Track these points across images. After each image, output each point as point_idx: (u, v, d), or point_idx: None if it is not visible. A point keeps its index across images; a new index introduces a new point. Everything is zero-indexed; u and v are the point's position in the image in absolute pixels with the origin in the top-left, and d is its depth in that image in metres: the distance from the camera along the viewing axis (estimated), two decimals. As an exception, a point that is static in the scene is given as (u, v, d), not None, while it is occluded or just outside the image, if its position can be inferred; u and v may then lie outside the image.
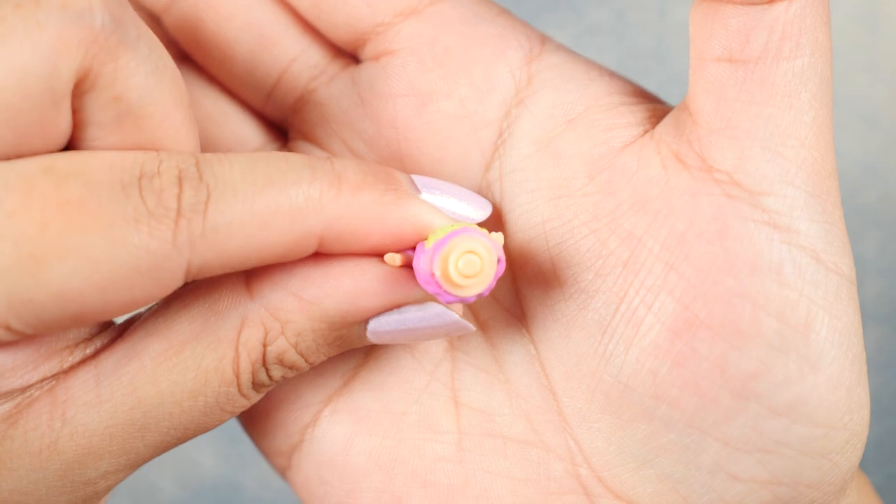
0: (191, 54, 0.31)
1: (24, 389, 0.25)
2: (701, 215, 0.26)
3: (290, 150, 0.31)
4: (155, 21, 0.31)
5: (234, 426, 0.50)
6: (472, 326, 0.27)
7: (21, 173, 0.23)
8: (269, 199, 0.24)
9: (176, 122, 0.25)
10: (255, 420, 0.30)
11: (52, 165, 0.24)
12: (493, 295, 0.29)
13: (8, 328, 0.23)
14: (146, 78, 0.25)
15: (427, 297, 0.26)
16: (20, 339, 0.24)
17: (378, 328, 0.26)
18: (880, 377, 0.58)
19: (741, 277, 0.26)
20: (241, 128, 0.31)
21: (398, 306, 0.26)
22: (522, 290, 0.28)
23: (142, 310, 0.27)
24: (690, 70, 0.27)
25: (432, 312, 0.26)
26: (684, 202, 0.26)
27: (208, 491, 0.57)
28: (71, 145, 0.25)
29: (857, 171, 0.57)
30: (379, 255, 0.26)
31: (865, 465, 0.57)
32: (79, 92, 0.24)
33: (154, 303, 0.25)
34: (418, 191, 0.27)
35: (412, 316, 0.26)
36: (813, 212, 0.26)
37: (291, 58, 0.30)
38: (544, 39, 0.29)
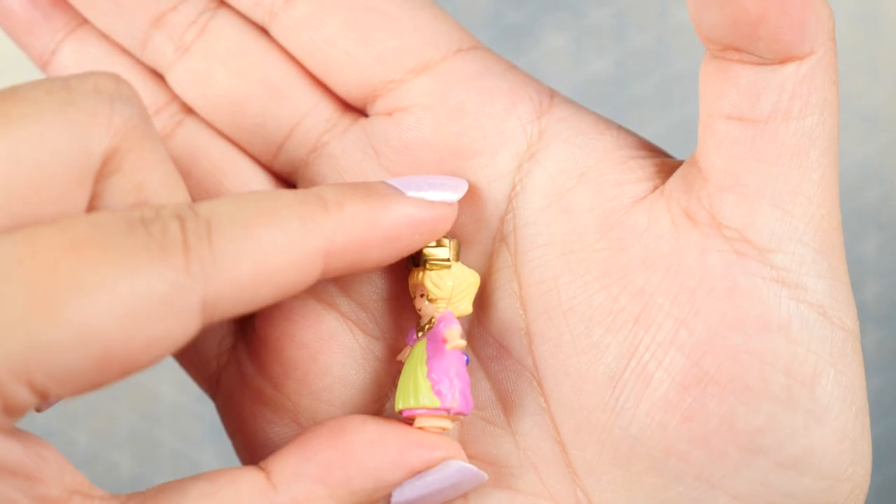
0: (197, 109, 0.31)
1: None
2: (711, 272, 0.27)
3: None
4: (159, 78, 0.32)
5: None
6: (486, 475, 0.27)
7: (26, 228, 0.23)
8: (267, 223, 0.25)
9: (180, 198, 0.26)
10: None
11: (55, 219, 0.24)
12: (505, 347, 0.29)
13: (31, 385, 0.22)
14: (165, 174, 0.25)
15: (443, 458, 0.27)
16: (42, 403, 0.24)
17: (402, 498, 0.27)
18: (880, 377, 0.58)
19: (750, 334, 0.26)
20: (252, 178, 0.31)
21: (418, 473, 0.27)
22: (534, 344, 0.29)
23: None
24: (700, 126, 0.28)
25: (452, 469, 0.27)
26: (694, 259, 0.27)
27: None
28: None
29: (857, 171, 0.57)
30: (386, 263, 0.27)
31: (865, 465, 0.57)
32: (103, 174, 0.24)
33: (172, 350, 0.24)
34: (400, 191, 0.27)
35: (433, 478, 0.27)
36: (820, 268, 0.26)
37: (304, 111, 0.30)
38: (552, 93, 0.30)
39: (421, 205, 0.27)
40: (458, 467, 0.27)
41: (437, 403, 0.27)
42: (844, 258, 0.27)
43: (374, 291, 0.30)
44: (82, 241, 0.23)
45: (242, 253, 0.24)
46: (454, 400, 0.27)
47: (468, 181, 0.29)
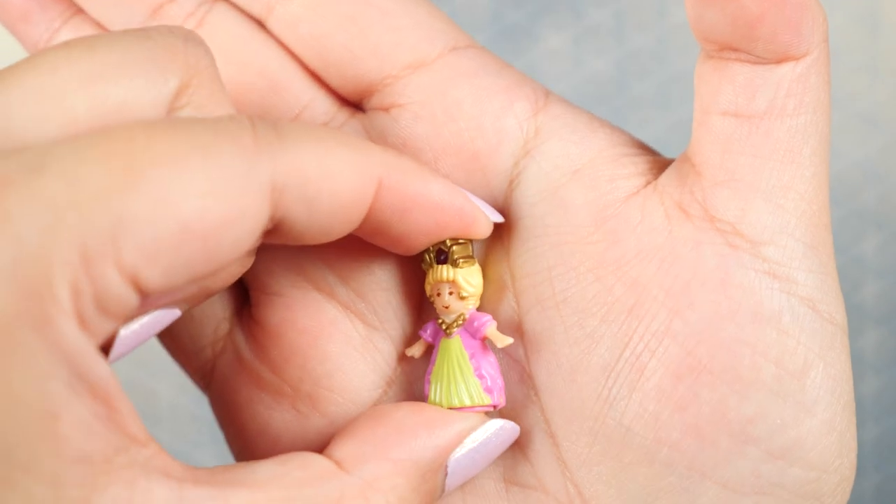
0: None
1: None
2: (704, 264, 0.27)
3: None
4: None
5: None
6: (518, 427, 0.28)
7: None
8: (332, 135, 0.26)
9: None
10: None
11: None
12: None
13: (121, 266, 0.22)
14: (229, 109, 0.26)
15: (481, 420, 0.28)
16: (137, 297, 0.23)
17: (457, 463, 0.27)
18: (880, 377, 0.58)
19: (743, 325, 0.27)
20: None
21: (465, 437, 0.27)
22: (526, 335, 0.29)
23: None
24: (694, 122, 0.28)
25: (496, 428, 0.28)
26: (688, 251, 0.27)
27: None
28: None
29: (857, 171, 0.57)
30: (413, 245, 0.28)
31: (865, 465, 0.57)
32: (174, 106, 0.25)
33: (249, 238, 0.24)
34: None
35: (482, 439, 0.28)
36: (810, 263, 0.27)
37: (303, 104, 0.31)
38: (547, 92, 0.30)
39: (466, 197, 0.28)
40: (499, 425, 0.28)
41: (488, 401, 0.28)
42: (833, 254, 0.28)
43: (374, 282, 0.30)
44: (155, 126, 0.23)
45: (308, 147, 0.25)
46: (501, 397, 0.28)
47: (464, 185, 0.30)
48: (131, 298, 0.23)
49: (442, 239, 0.28)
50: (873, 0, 0.55)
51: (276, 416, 0.30)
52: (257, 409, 0.30)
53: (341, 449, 0.26)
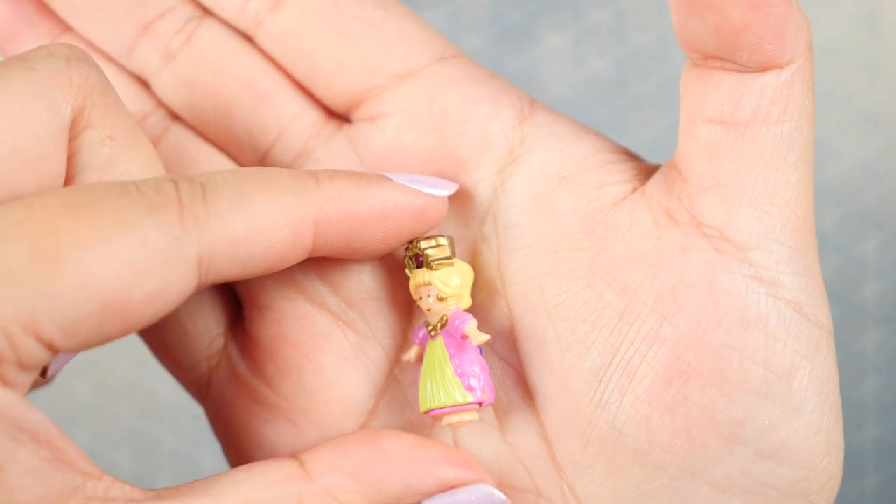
0: (183, 115, 0.32)
1: None
2: (692, 269, 0.27)
3: None
4: (144, 85, 0.32)
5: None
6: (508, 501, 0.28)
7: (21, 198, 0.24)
8: (260, 188, 0.26)
9: (157, 168, 0.27)
10: None
11: (46, 190, 0.24)
12: (490, 346, 0.30)
13: (39, 337, 0.23)
14: (132, 127, 0.26)
15: (476, 480, 0.27)
16: (53, 361, 0.24)
17: None
18: (880, 377, 0.58)
19: (730, 328, 0.27)
20: None
21: (449, 489, 0.27)
22: (520, 341, 0.29)
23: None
24: (680, 130, 0.28)
25: (482, 493, 0.27)
26: (676, 256, 0.28)
27: None
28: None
29: (857, 171, 0.57)
30: (378, 250, 0.28)
31: (865, 465, 0.57)
32: (75, 131, 0.25)
33: (171, 306, 0.25)
34: (389, 178, 0.28)
35: (462, 498, 0.27)
36: (796, 266, 0.27)
37: (290, 117, 0.31)
38: (532, 100, 0.31)
39: (408, 191, 0.28)
40: (487, 491, 0.28)
41: (469, 398, 0.28)
42: (818, 258, 0.28)
43: (363, 290, 0.30)
44: (78, 202, 0.23)
45: (236, 211, 0.25)
46: (485, 393, 0.28)
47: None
48: (48, 357, 0.24)
49: (402, 240, 0.28)
50: (873, 0, 0.55)
51: (272, 430, 0.30)
52: (253, 422, 0.30)
53: (319, 454, 0.27)
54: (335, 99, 0.31)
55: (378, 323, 0.30)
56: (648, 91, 0.57)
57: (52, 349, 0.23)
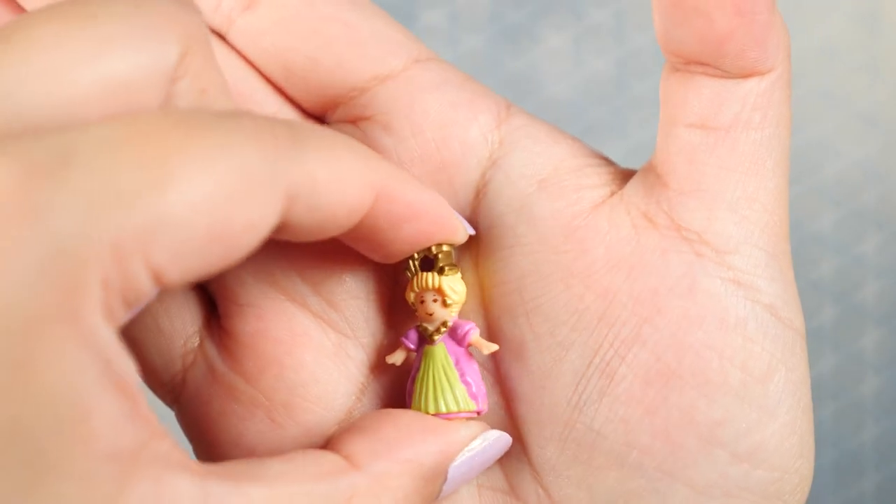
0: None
1: None
2: (672, 272, 0.28)
3: None
4: None
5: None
6: (510, 438, 0.29)
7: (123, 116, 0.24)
8: (341, 142, 0.26)
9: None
10: None
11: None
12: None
13: (149, 264, 0.22)
14: (222, 77, 0.26)
15: (481, 430, 0.28)
16: (157, 289, 0.23)
17: (457, 470, 0.28)
18: (880, 377, 0.58)
19: (710, 331, 0.27)
20: None
21: (465, 447, 0.28)
22: (497, 343, 0.29)
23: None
24: (660, 133, 0.29)
25: (493, 438, 0.28)
26: (655, 259, 0.28)
27: None
28: None
29: (857, 171, 0.57)
30: (394, 251, 0.28)
31: (865, 465, 0.57)
32: (175, 76, 0.25)
33: (260, 238, 0.24)
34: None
35: (479, 447, 0.28)
36: (772, 271, 0.28)
37: (270, 115, 0.31)
38: (509, 104, 0.31)
39: (449, 206, 0.28)
40: (496, 434, 0.28)
41: (473, 406, 0.29)
42: (791, 263, 0.29)
43: (344, 291, 0.30)
44: (185, 122, 0.23)
45: (320, 155, 0.25)
46: (484, 403, 0.29)
47: (437, 191, 0.30)
48: (151, 292, 0.23)
49: (424, 247, 0.28)
50: (873, 0, 0.55)
51: (251, 427, 0.30)
52: (230, 420, 0.30)
53: (350, 445, 0.27)
54: (311, 100, 0.31)
55: (359, 323, 0.30)
56: (648, 91, 0.57)
57: (159, 280, 0.22)
